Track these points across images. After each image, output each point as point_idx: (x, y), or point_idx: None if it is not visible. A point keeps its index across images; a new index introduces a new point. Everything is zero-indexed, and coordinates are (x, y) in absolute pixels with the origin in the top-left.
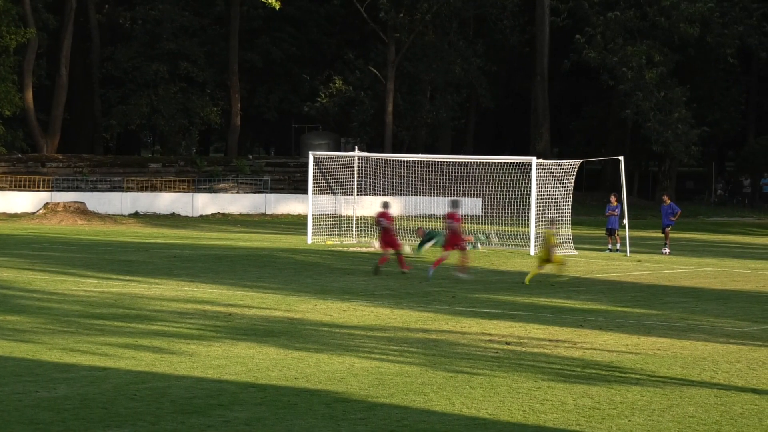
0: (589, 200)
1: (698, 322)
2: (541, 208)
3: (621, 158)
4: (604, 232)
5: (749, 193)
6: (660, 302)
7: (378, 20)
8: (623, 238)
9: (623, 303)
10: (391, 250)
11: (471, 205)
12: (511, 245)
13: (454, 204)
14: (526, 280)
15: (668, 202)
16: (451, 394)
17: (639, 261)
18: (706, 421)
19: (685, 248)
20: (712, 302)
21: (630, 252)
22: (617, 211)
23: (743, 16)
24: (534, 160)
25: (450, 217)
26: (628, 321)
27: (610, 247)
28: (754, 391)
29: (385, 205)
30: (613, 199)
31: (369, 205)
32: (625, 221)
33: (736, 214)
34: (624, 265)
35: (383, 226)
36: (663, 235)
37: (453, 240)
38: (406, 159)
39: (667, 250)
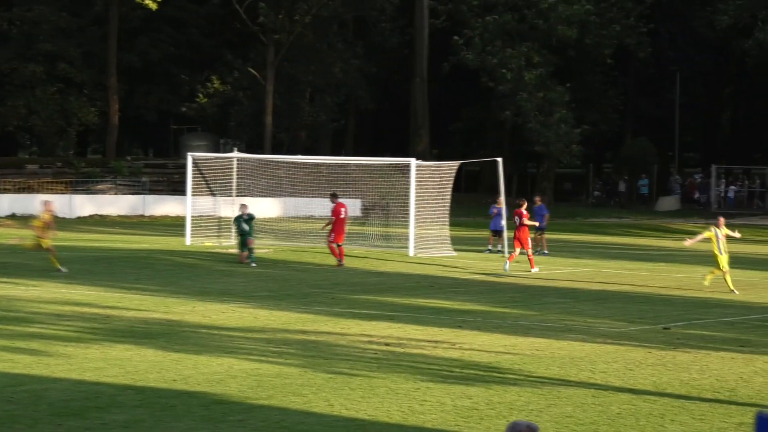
0: (468, 201)
1: (576, 323)
2: (421, 210)
3: (499, 160)
4: (489, 233)
5: (626, 194)
6: (538, 303)
7: (257, 21)
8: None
9: (502, 304)
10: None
11: (350, 207)
12: (390, 246)
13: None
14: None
15: (539, 203)
16: (330, 395)
17: (518, 262)
18: (584, 421)
19: (563, 249)
20: (590, 303)
21: (508, 253)
22: (501, 213)
23: (621, 17)
24: (413, 161)
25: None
26: (506, 322)
27: (490, 247)
28: (631, 391)
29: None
30: (498, 201)
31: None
32: (503, 222)
33: (612, 215)
34: (502, 266)
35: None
36: (539, 237)
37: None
38: (285, 160)
39: (542, 252)
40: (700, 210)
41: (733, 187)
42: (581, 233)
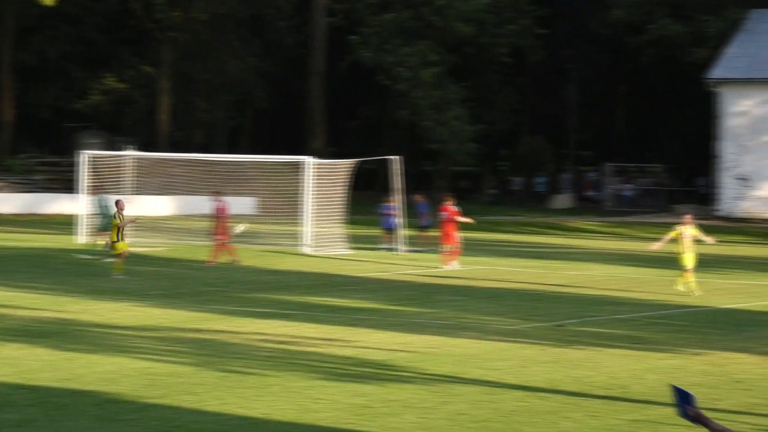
0: (364, 200)
1: (470, 320)
2: (318, 208)
3: (396, 158)
4: (381, 231)
5: (521, 191)
6: (433, 301)
7: (154, 19)
8: (400, 237)
9: (397, 301)
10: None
11: (246, 205)
12: (286, 245)
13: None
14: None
15: (420, 200)
16: (224, 393)
17: (413, 260)
18: (478, 419)
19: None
20: (484, 300)
21: (415, 251)
22: (394, 211)
23: (517, 16)
24: (309, 159)
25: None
26: (401, 319)
27: (384, 245)
28: (524, 388)
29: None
30: (390, 199)
31: (144, 205)
32: (399, 220)
33: (508, 213)
34: (397, 264)
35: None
36: (423, 235)
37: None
38: (180, 158)
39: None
40: (594, 208)
41: (627, 185)
42: (476, 231)
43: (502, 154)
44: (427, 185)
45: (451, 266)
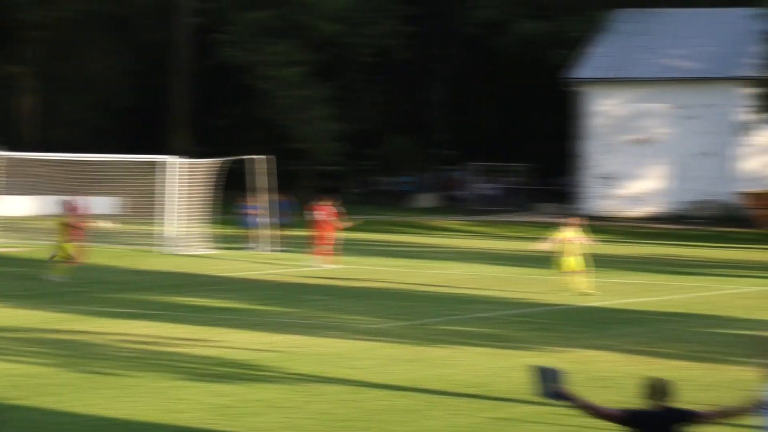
0: (229, 199)
1: (335, 320)
2: (182, 207)
3: (260, 157)
4: (244, 231)
5: (388, 191)
6: (298, 300)
7: (17, 17)
8: (264, 237)
9: (261, 301)
10: None
11: (111, 204)
12: (149, 244)
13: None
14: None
15: (283, 199)
16: (86, 394)
17: (279, 260)
18: (341, 418)
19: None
20: (349, 300)
21: (273, 250)
22: (256, 211)
23: (382, 16)
24: (173, 159)
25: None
26: (265, 319)
27: (250, 245)
28: (388, 387)
29: None
30: (252, 199)
31: (8, 206)
32: (265, 220)
33: (373, 212)
34: (262, 263)
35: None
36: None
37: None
38: (44, 158)
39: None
40: (458, 207)
41: (491, 184)
42: (342, 231)
43: (367, 153)
44: (293, 184)
45: (327, 266)
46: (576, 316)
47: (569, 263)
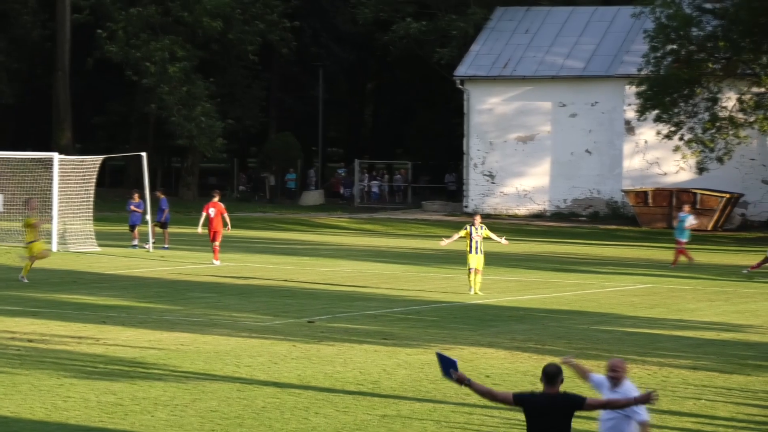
0: (113, 196)
1: (221, 317)
2: (64, 204)
3: (143, 154)
4: (128, 228)
5: (273, 188)
6: (183, 298)
7: None
8: (146, 234)
9: (147, 299)
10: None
11: None
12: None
13: None
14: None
15: (161, 196)
16: None
17: (162, 257)
18: (229, 415)
19: (207, 243)
20: (235, 297)
21: (153, 248)
22: (141, 208)
23: (265, 12)
24: (55, 155)
25: None
26: (151, 317)
27: (134, 243)
28: (275, 384)
29: None
30: (136, 196)
31: None
32: (148, 217)
33: (257, 209)
34: (147, 261)
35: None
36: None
37: None
38: None
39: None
40: (343, 204)
41: (375, 181)
42: (234, 228)
43: (252, 150)
44: (177, 182)
45: (214, 262)
46: (463, 313)
47: (470, 260)
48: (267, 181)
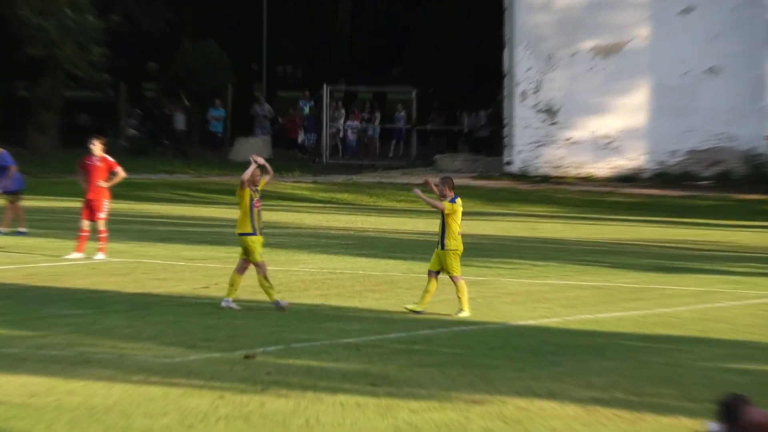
0: None
1: (98, 349)
2: None
3: None
4: None
5: (185, 131)
6: (37, 317)
7: None
8: None
9: None
10: None
11: None
12: None
13: None
14: None
15: (2, 150)
16: None
17: (6, 247)
18: None
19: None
20: (122, 315)
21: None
22: None
23: None
24: None
25: None
26: None
27: None
28: None
29: None
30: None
31: None
32: None
33: (159, 167)
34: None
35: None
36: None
37: None
38: None
39: None
40: (304, 160)
41: (355, 122)
42: (117, 199)
43: (151, 68)
44: (23, 122)
45: (103, 255)
46: (504, 341)
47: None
48: (175, 120)
